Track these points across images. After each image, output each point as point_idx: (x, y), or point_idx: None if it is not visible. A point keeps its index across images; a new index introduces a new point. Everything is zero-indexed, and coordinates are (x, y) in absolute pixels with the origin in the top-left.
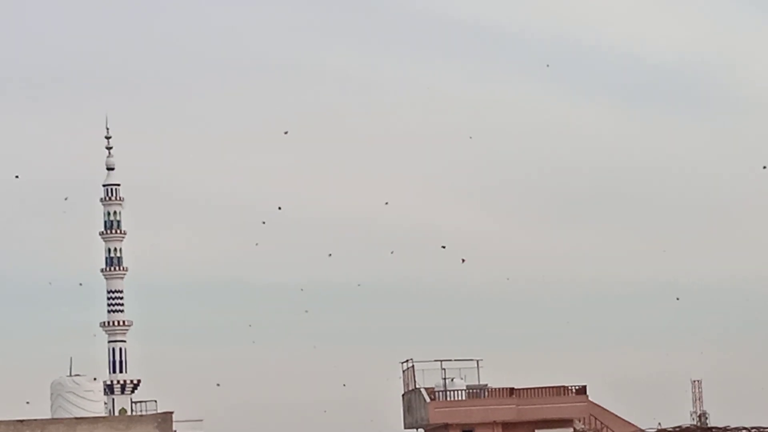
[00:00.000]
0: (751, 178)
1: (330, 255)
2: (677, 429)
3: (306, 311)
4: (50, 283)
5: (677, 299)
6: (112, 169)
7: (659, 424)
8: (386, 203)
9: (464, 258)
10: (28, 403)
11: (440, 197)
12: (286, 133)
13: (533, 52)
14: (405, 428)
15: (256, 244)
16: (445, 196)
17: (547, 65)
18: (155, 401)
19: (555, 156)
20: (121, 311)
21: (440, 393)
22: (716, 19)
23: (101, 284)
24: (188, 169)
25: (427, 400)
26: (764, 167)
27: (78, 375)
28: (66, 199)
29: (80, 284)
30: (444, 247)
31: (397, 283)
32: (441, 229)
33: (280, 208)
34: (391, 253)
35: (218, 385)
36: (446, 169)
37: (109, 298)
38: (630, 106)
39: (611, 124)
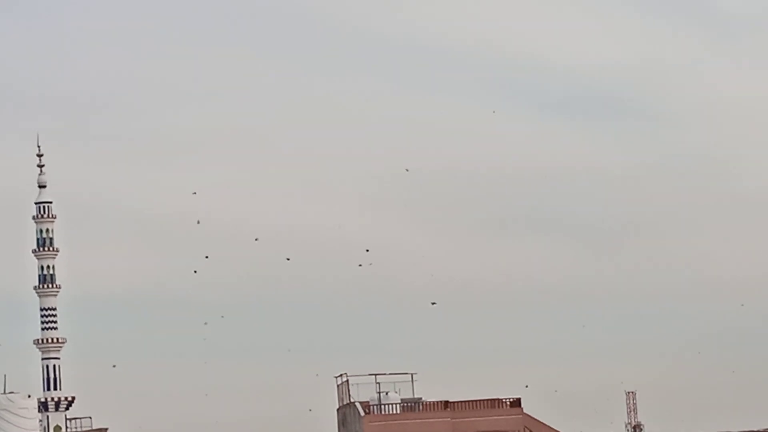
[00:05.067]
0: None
1: (266, 268)
2: None
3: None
4: None
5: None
6: (44, 186)
7: None
8: (339, 225)
9: (402, 272)
10: None
11: (370, 213)
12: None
13: (464, 66)
14: None
15: (195, 272)
16: (374, 211)
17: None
18: (90, 418)
19: (489, 170)
20: (55, 328)
21: (375, 407)
22: (641, 30)
23: (34, 302)
24: (120, 185)
25: (362, 414)
26: None
27: (12, 392)
28: None
29: None
30: (368, 250)
31: (329, 295)
32: (370, 244)
33: (198, 222)
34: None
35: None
36: (376, 184)
37: (42, 316)
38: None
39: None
